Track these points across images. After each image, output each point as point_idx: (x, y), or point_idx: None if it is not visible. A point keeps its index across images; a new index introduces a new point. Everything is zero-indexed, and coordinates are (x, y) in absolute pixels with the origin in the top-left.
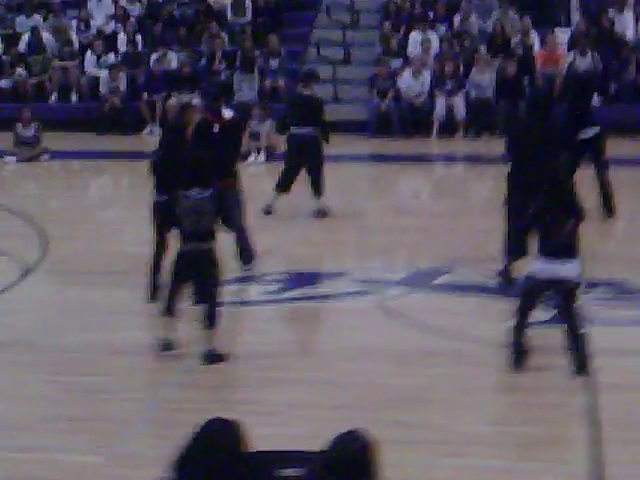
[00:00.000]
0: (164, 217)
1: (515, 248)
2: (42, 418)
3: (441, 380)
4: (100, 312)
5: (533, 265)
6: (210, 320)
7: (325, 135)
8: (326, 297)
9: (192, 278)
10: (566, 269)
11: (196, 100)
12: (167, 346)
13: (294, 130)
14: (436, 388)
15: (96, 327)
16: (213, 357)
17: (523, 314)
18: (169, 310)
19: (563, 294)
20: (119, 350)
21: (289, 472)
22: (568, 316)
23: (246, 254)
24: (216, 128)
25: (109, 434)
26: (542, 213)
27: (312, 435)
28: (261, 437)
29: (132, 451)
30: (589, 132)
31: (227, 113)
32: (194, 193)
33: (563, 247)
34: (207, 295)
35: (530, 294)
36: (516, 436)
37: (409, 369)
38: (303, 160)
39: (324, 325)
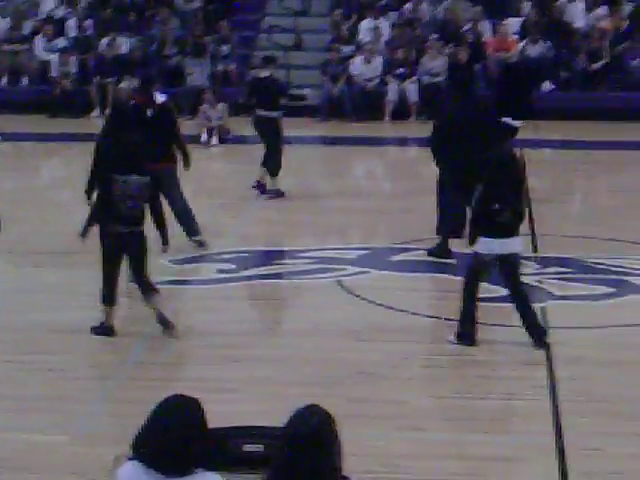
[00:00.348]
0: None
1: (450, 225)
2: None
3: (397, 356)
4: (53, 292)
5: (480, 244)
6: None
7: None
8: (282, 275)
9: (128, 259)
10: (511, 245)
11: (126, 83)
12: (106, 331)
13: (259, 112)
14: (392, 364)
15: (49, 307)
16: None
17: (471, 291)
18: (109, 298)
19: (509, 269)
20: (74, 330)
21: (249, 447)
22: (516, 291)
23: (192, 228)
24: (150, 112)
25: (65, 413)
26: (488, 196)
27: (270, 411)
28: (220, 414)
29: (89, 429)
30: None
31: (159, 97)
32: (134, 178)
33: (508, 225)
34: (140, 274)
35: (478, 271)
36: (474, 410)
37: (365, 345)
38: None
39: (280, 303)
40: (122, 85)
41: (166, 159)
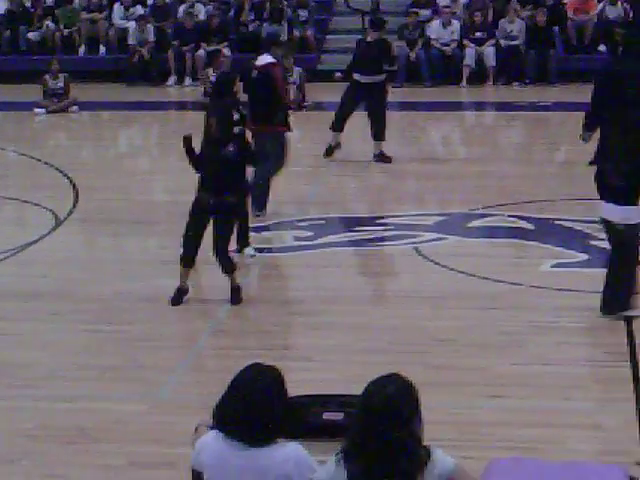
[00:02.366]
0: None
1: None
2: (80, 367)
3: (478, 322)
4: (133, 261)
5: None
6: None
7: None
8: (359, 243)
9: (213, 227)
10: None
11: (226, 50)
12: (179, 294)
13: (363, 77)
14: (473, 330)
15: (130, 276)
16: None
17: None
18: (184, 259)
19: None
20: (155, 299)
21: (328, 416)
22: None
23: (259, 202)
24: (254, 74)
25: (147, 382)
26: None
27: (349, 380)
28: (299, 382)
29: (171, 398)
30: None
31: (264, 59)
32: (221, 147)
33: None
34: (221, 245)
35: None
36: (558, 376)
37: (445, 312)
38: (365, 104)
39: (358, 270)
40: (199, 52)
41: (267, 121)
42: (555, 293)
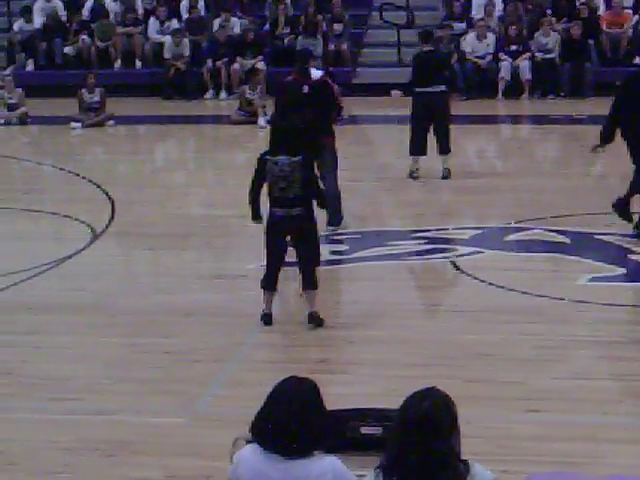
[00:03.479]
0: None
1: None
2: (117, 380)
3: (517, 336)
4: (170, 275)
5: None
6: (310, 281)
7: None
8: (395, 256)
9: (293, 243)
10: None
11: (261, 64)
12: (266, 319)
13: (421, 89)
14: (512, 344)
15: (167, 290)
16: (318, 318)
17: None
18: (265, 282)
19: None
20: (192, 312)
21: (367, 430)
22: None
23: (334, 216)
24: (305, 88)
25: (185, 395)
26: None
27: (388, 393)
28: (337, 396)
29: (210, 411)
30: None
31: (315, 73)
32: (283, 159)
33: None
34: (306, 259)
35: None
36: (598, 391)
37: (484, 326)
38: (431, 118)
39: (394, 284)
40: (235, 66)
41: (324, 135)
42: (594, 307)
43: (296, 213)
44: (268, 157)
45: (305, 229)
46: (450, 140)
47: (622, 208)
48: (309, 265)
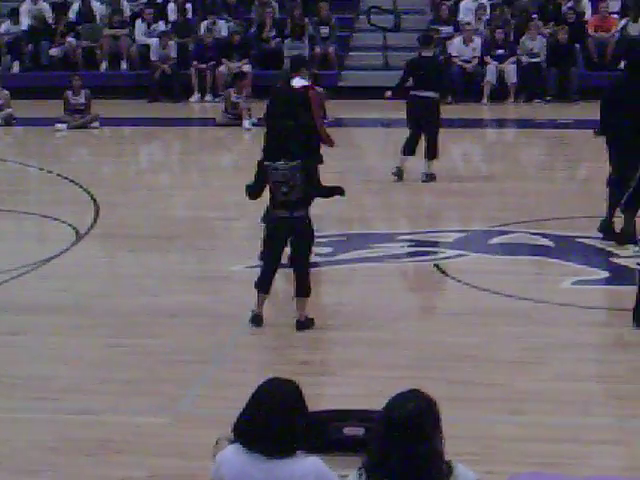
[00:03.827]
0: None
1: None
2: (100, 380)
3: (500, 338)
4: (154, 276)
5: None
6: (304, 288)
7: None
8: (381, 259)
9: (289, 245)
10: None
11: (247, 67)
12: (256, 319)
13: (418, 93)
14: (496, 346)
15: (151, 291)
16: (307, 323)
17: None
18: (259, 283)
19: None
20: (176, 313)
21: (350, 431)
22: None
23: None
24: (291, 96)
25: (167, 395)
26: None
27: (372, 395)
28: (320, 397)
29: (193, 412)
30: None
31: (298, 82)
32: (281, 163)
33: None
34: (300, 263)
35: None
36: (581, 392)
37: (468, 328)
38: (421, 123)
39: (379, 286)
40: (221, 69)
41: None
42: (576, 310)
43: (298, 215)
44: (268, 163)
45: (305, 231)
46: (438, 147)
47: (607, 230)
48: (303, 269)
